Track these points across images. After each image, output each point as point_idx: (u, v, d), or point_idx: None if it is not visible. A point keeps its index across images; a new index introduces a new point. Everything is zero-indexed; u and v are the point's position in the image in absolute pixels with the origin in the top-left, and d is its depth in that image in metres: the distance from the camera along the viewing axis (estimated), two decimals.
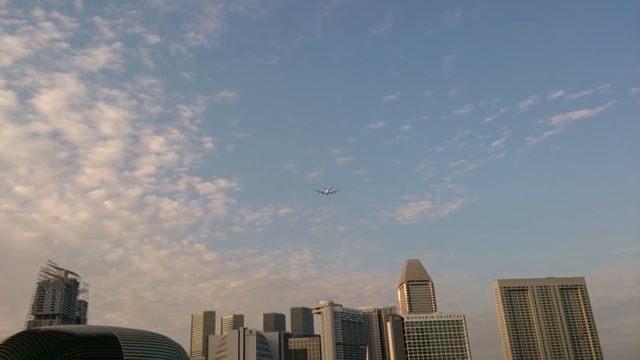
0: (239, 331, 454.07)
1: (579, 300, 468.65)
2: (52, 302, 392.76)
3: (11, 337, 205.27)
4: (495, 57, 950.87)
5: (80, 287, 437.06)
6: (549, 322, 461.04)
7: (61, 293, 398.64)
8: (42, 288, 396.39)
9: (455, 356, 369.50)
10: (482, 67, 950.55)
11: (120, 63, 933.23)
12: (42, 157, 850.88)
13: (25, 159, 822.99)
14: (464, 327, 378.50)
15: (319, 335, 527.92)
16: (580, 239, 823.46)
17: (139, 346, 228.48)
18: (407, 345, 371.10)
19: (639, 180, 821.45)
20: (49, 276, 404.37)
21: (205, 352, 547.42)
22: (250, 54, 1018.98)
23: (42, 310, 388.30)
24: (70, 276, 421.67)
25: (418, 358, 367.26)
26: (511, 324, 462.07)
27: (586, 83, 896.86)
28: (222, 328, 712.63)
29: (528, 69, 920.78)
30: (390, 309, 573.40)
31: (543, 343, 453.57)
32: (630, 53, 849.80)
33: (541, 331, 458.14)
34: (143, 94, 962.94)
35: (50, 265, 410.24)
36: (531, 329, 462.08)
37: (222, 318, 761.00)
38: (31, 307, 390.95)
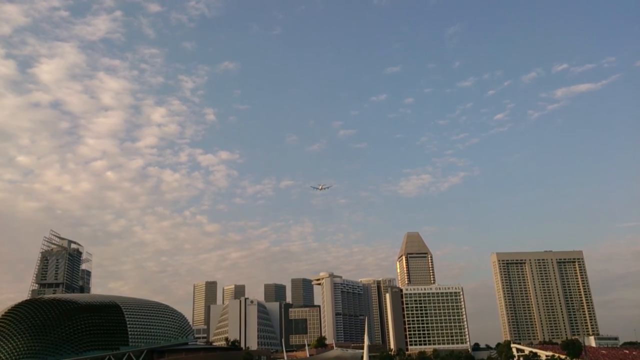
0: (240, 301, 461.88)
1: (576, 273, 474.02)
2: (56, 271, 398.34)
3: (16, 305, 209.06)
4: (499, 29, 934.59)
5: (83, 256, 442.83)
6: (545, 295, 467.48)
7: (64, 262, 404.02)
8: (45, 257, 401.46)
9: (453, 327, 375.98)
10: (487, 39, 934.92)
11: (121, 32, 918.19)
12: (43, 127, 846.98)
13: (26, 129, 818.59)
14: (462, 299, 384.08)
15: (319, 306, 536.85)
16: (580, 213, 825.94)
17: (141, 315, 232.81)
18: (406, 316, 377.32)
19: (639, 154, 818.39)
20: (52, 246, 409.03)
21: (207, 321, 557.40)
22: (252, 24, 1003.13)
23: (45, 279, 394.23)
24: (73, 246, 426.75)
25: (416, 328, 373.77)
26: (509, 296, 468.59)
27: (591, 56, 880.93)
28: (223, 298, 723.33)
29: (533, 41, 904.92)
30: (389, 281, 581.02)
31: (539, 315, 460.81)
32: (637, 25, 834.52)
33: (538, 303, 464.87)
34: (144, 64, 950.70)
35: (53, 235, 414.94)
36: (528, 301, 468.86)
37: (223, 288, 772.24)
38: (35, 275, 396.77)
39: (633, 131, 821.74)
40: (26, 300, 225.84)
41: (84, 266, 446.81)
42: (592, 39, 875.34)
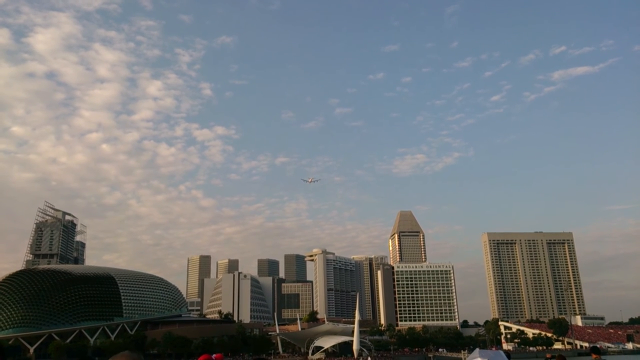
0: (234, 275, 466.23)
1: (565, 254, 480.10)
2: (50, 242, 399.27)
3: (10, 275, 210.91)
4: (499, 9, 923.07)
5: (78, 228, 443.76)
6: (534, 275, 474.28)
7: (59, 234, 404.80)
8: (39, 228, 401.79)
9: (442, 304, 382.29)
10: (486, 20, 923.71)
11: (117, 3, 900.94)
12: (38, 97, 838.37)
13: (21, 99, 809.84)
14: (452, 277, 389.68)
15: (312, 281, 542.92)
16: (571, 195, 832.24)
17: (136, 286, 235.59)
18: (396, 292, 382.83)
19: (633, 139, 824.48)
20: (47, 217, 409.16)
21: (200, 294, 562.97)
22: None
23: (40, 250, 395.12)
24: (67, 217, 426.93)
25: (406, 305, 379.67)
26: (498, 276, 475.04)
27: (590, 39, 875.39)
28: (217, 272, 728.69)
29: (532, 22, 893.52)
30: (382, 258, 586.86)
31: (528, 294, 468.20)
32: (636, 9, 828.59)
33: (527, 283, 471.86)
34: (140, 37, 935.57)
35: (48, 206, 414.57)
36: (517, 281, 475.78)
37: (217, 262, 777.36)
38: (29, 246, 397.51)
39: (627, 115, 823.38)
40: (20, 271, 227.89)
41: (78, 238, 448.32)
42: (591, 21, 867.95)
